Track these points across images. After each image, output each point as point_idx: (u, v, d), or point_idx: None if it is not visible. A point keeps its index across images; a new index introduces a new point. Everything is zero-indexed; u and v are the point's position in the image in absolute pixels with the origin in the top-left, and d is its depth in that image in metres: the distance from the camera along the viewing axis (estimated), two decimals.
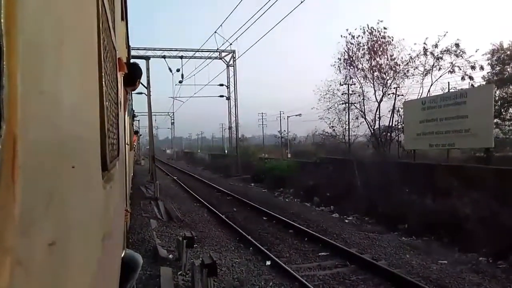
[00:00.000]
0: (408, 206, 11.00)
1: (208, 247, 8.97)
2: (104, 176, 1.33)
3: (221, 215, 12.77)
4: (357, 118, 22.81)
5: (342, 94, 23.37)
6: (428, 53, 19.03)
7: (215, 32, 21.73)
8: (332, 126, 24.07)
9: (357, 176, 14.17)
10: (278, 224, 11.53)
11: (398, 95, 20.38)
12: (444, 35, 18.47)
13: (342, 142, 23.99)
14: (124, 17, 3.57)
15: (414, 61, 19.49)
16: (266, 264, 7.87)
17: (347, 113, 23.27)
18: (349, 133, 23.62)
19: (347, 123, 23.28)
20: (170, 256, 7.87)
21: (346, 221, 12.09)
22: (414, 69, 19.70)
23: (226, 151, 43.87)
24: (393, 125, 20.67)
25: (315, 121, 46.76)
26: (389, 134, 20.75)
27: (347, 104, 22.84)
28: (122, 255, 2.89)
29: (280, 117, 52.51)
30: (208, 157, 45.21)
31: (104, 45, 1.44)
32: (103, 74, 1.33)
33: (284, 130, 47.56)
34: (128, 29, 5.83)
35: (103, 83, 1.34)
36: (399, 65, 20.10)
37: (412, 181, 12.30)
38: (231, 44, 21.39)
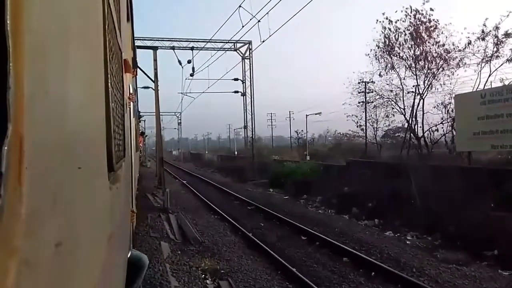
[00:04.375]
0: (491, 224, 8.48)
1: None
2: (110, 177, 1.34)
3: (247, 233, 10.51)
4: (387, 116, 20.64)
5: (365, 92, 21.59)
6: (490, 36, 15.84)
7: (240, 6, 17.67)
8: (360, 125, 22.71)
9: (413, 183, 11.73)
10: (323, 246, 9.14)
11: (418, 93, 18.37)
12: (507, 15, 15.37)
13: (372, 143, 22.76)
14: (130, 18, 3.59)
15: (473, 46, 16.61)
16: None
17: (365, 109, 21.99)
18: (365, 132, 22.66)
19: (377, 121, 21.61)
20: None
21: (408, 242, 9.71)
22: (470, 57, 16.87)
23: (236, 153, 43.56)
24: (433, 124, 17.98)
25: (326, 121, 46.65)
26: (434, 132, 18.31)
27: (381, 99, 20.61)
28: (128, 256, 2.90)
29: (290, 117, 52.75)
30: (217, 159, 43.85)
31: (110, 46, 1.45)
32: (108, 75, 1.34)
33: (302, 130, 46.66)
34: (134, 28, 5.87)
35: (109, 84, 1.35)
36: (450, 52, 17.29)
37: (479, 190, 9.86)
38: (259, 21, 16.78)
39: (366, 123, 22.47)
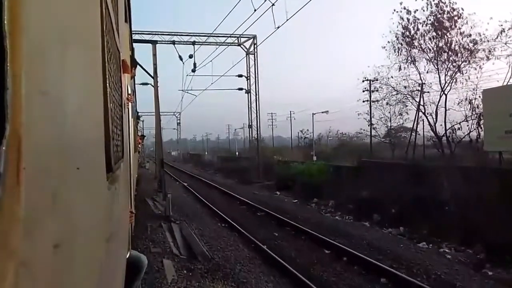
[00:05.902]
0: None
1: None
2: (109, 178, 1.33)
3: (262, 245, 9.18)
4: (400, 114, 19.88)
5: (369, 91, 20.99)
6: None
7: None
8: (372, 124, 22.30)
9: (445, 187, 10.67)
10: (353, 263, 7.91)
11: (420, 92, 17.56)
12: None
13: (385, 143, 22.26)
14: (128, 18, 3.59)
15: (505, 36, 15.35)
16: None
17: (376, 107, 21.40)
18: (370, 131, 22.26)
19: (390, 119, 20.90)
20: None
21: (448, 256, 8.44)
22: (500, 48, 15.57)
23: (237, 153, 43.31)
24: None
25: (328, 121, 46.86)
26: (457, 131, 17.04)
27: (398, 96, 19.47)
28: (127, 256, 2.90)
29: (291, 117, 53.49)
30: (218, 160, 42.93)
31: (108, 47, 1.45)
32: (107, 75, 1.34)
33: (308, 129, 45.94)
34: (132, 28, 5.86)
35: (107, 84, 1.34)
36: (477, 43, 16.00)
37: None
38: (273, 4, 14.10)
39: (371, 122, 22.30)
